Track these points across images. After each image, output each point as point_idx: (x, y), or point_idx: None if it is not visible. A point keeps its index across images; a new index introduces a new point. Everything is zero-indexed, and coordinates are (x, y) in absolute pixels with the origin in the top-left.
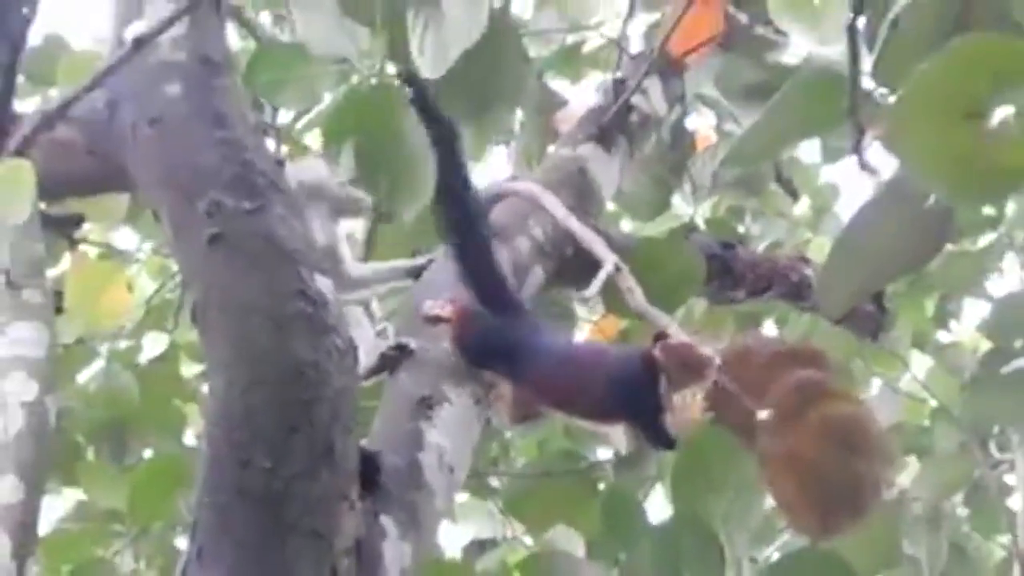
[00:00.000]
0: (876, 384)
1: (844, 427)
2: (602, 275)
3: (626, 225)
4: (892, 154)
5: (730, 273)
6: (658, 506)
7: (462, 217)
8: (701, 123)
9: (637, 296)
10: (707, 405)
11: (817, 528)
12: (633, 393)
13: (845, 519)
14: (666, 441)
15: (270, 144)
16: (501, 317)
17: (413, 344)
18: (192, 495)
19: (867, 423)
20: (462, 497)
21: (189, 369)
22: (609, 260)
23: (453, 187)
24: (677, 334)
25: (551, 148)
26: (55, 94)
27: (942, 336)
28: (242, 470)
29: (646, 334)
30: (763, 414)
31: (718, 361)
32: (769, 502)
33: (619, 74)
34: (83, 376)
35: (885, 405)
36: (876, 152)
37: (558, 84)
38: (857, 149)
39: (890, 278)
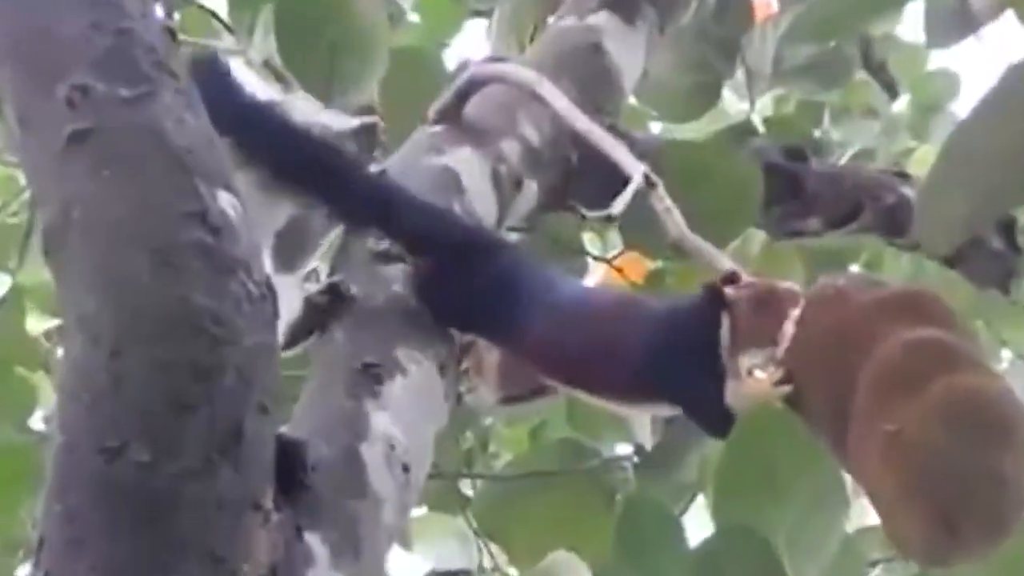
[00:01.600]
0: (1006, 355)
1: (978, 407)
2: (629, 190)
3: (655, 127)
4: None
5: (800, 194)
6: (700, 526)
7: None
8: None
9: (676, 221)
10: (785, 373)
11: (935, 547)
12: (682, 357)
13: (977, 536)
14: (725, 422)
15: (158, 9)
16: (476, 255)
17: (353, 289)
18: (39, 501)
19: (1009, 404)
20: (421, 509)
21: (38, 324)
22: (637, 170)
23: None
24: (744, 276)
25: (551, 18)
26: None
27: None
28: (108, 464)
29: (688, 277)
30: (864, 385)
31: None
32: (857, 518)
33: None
34: None
35: (1018, 383)
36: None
37: None
38: (966, 17)
39: (1020, 200)
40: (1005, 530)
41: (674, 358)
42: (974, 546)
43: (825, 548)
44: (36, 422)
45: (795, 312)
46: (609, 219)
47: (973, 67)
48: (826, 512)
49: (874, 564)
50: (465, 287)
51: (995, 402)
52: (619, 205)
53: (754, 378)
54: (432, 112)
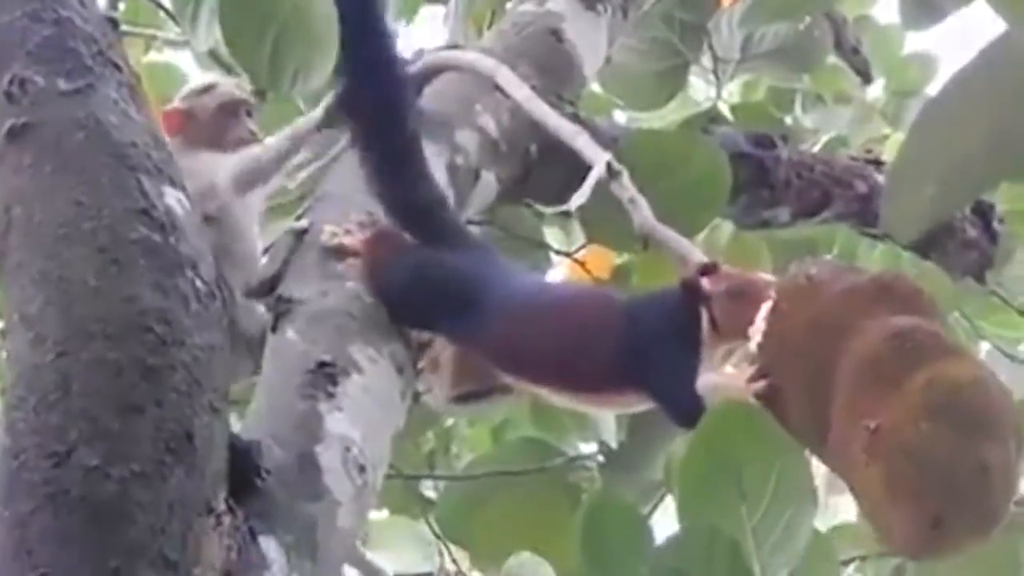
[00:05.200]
0: (984, 347)
1: (960, 398)
2: (590, 180)
3: (620, 116)
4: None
5: (768, 182)
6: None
7: (377, 87)
8: None
9: (642, 210)
10: (759, 369)
11: (923, 541)
12: (659, 347)
13: (966, 529)
14: (696, 412)
15: None
16: (436, 246)
17: (293, 290)
18: None
19: (991, 392)
20: (381, 512)
21: None
22: (599, 159)
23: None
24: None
25: (509, 3)
26: None
27: None
28: (56, 469)
29: (654, 272)
30: (843, 380)
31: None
32: (828, 517)
33: None
34: None
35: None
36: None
37: None
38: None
39: (993, 181)
40: (993, 522)
41: (650, 347)
42: (962, 539)
43: (793, 546)
44: None
45: (767, 305)
46: (567, 215)
47: (952, 50)
48: (793, 509)
49: (848, 562)
50: (420, 280)
51: (977, 392)
52: (578, 199)
53: (728, 373)
54: None
